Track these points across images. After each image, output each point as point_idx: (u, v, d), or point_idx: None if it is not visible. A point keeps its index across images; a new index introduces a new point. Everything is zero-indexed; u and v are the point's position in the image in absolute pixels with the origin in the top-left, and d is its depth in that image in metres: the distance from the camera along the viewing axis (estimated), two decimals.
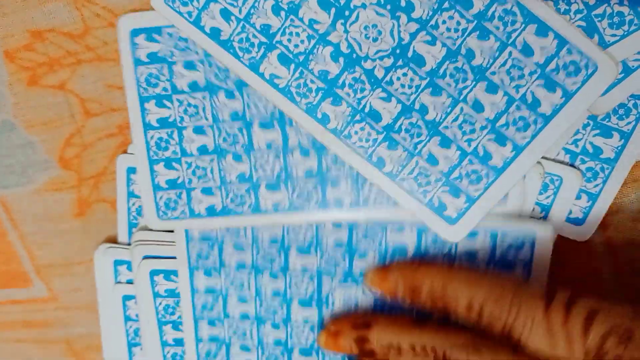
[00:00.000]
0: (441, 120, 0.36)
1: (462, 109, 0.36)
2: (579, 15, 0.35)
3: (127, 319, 0.45)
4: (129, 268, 0.44)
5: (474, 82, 0.36)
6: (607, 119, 0.37)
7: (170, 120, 0.40)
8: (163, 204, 0.41)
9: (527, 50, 0.35)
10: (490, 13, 0.35)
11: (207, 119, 0.39)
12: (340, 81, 0.37)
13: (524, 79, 0.35)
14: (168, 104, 0.39)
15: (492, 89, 0.36)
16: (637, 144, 0.37)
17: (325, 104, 0.37)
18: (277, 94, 0.37)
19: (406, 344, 0.36)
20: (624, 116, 0.37)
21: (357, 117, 0.37)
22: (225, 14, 0.37)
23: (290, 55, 0.37)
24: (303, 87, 0.37)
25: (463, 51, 0.35)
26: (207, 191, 0.40)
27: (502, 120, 0.36)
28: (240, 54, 0.37)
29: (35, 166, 0.44)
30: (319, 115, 0.37)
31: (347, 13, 0.36)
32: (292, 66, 0.37)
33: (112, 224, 0.45)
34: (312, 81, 0.37)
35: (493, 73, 0.35)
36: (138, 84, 0.39)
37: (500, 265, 0.38)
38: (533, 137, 0.36)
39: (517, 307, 0.33)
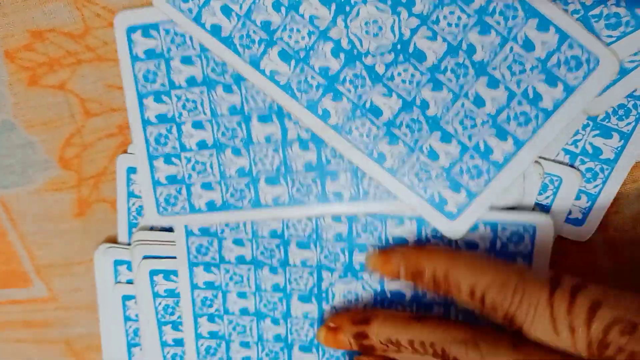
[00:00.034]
0: (442, 116, 0.36)
1: (463, 104, 0.35)
2: (575, 16, 0.34)
3: (127, 319, 0.45)
4: (129, 268, 0.44)
5: (475, 77, 0.35)
6: (606, 120, 0.37)
7: (169, 116, 0.39)
8: (163, 199, 0.40)
9: (528, 45, 0.34)
10: (491, 8, 0.34)
11: (205, 113, 0.38)
12: (341, 77, 0.36)
13: (525, 73, 0.34)
14: (166, 99, 0.39)
15: (493, 84, 0.35)
16: (636, 144, 0.37)
17: (326, 99, 0.36)
18: (277, 90, 0.37)
19: (405, 339, 0.36)
20: (623, 117, 0.36)
21: (358, 113, 0.36)
22: (226, 10, 0.36)
23: (291, 52, 0.36)
24: (304, 83, 0.36)
25: (464, 46, 0.35)
26: (206, 186, 0.40)
27: (503, 115, 0.35)
28: (241, 50, 0.36)
29: (35, 166, 0.43)
30: (320, 111, 0.37)
31: (347, 9, 0.35)
32: (293, 62, 0.36)
33: (112, 224, 0.44)
34: (312, 77, 0.36)
35: (494, 68, 0.35)
36: (136, 80, 0.39)
37: (501, 257, 0.37)
38: (534, 132, 0.35)
39: (521, 294, 0.32)
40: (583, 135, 0.37)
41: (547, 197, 0.38)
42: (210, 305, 0.42)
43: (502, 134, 0.35)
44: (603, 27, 0.34)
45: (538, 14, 0.34)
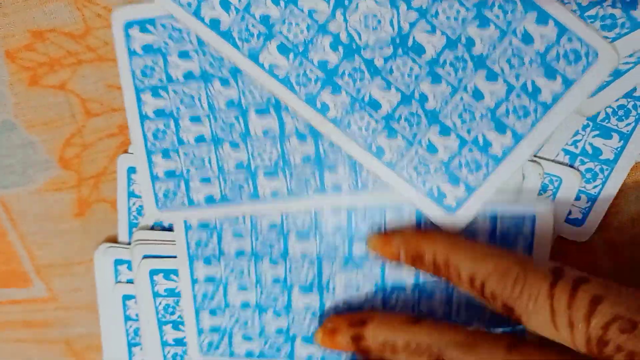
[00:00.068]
0: (441, 109, 0.35)
1: (462, 97, 0.35)
2: None
3: (127, 318, 0.44)
4: (130, 268, 0.43)
5: (474, 71, 0.34)
6: (606, 120, 0.36)
7: (167, 111, 0.38)
8: (162, 194, 0.40)
9: (527, 39, 0.33)
10: (490, 1, 0.33)
11: (203, 108, 0.38)
12: (340, 71, 0.35)
13: (524, 67, 0.34)
14: (164, 94, 0.38)
15: (492, 77, 0.34)
16: (636, 145, 0.36)
17: (324, 93, 0.36)
18: (276, 84, 0.36)
19: (401, 341, 0.35)
20: (623, 117, 0.36)
21: (357, 107, 0.36)
22: (225, 4, 0.35)
23: (290, 45, 0.35)
24: (302, 77, 0.36)
25: (463, 40, 0.34)
26: (205, 180, 0.39)
27: (502, 109, 0.34)
28: (240, 44, 0.36)
29: (35, 166, 0.43)
30: (319, 105, 0.36)
31: (346, 2, 0.34)
32: (292, 56, 0.36)
33: (112, 224, 0.43)
34: (311, 71, 0.36)
35: (493, 62, 0.34)
36: (134, 76, 0.38)
37: (501, 243, 0.37)
38: (533, 126, 0.34)
39: (522, 285, 0.31)
40: (583, 135, 0.37)
41: (547, 198, 0.37)
42: (212, 299, 0.41)
43: (501, 128, 0.35)
44: (598, 28, 0.33)
45: (537, 7, 0.33)
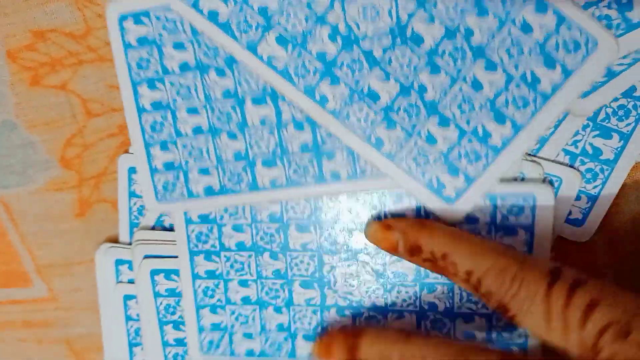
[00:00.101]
0: (440, 100, 0.34)
1: (461, 88, 0.34)
2: None
3: (128, 318, 0.43)
4: (130, 268, 0.42)
5: (473, 61, 0.33)
6: (606, 120, 0.36)
7: (164, 102, 0.38)
8: (161, 186, 0.39)
9: (526, 28, 0.33)
10: None
11: (199, 98, 0.37)
12: (339, 62, 0.35)
13: (523, 56, 0.33)
14: (160, 86, 0.37)
15: (491, 67, 0.33)
16: (636, 145, 0.36)
17: (323, 84, 0.35)
18: (275, 75, 0.35)
19: (396, 355, 0.34)
20: (623, 117, 0.35)
21: (356, 98, 0.35)
22: None
23: (288, 37, 0.35)
24: (301, 68, 0.35)
25: (462, 30, 0.33)
26: (204, 171, 0.38)
27: (501, 99, 0.34)
28: (238, 35, 0.35)
29: (36, 166, 0.42)
30: (317, 96, 0.35)
31: None
32: (290, 47, 0.35)
33: (113, 224, 0.43)
34: (310, 62, 0.35)
35: (492, 51, 0.33)
36: (130, 68, 0.38)
37: (502, 230, 0.36)
38: (532, 116, 0.33)
39: (519, 283, 0.31)
40: (583, 135, 0.36)
41: (547, 184, 0.37)
42: (212, 296, 0.40)
43: (500, 118, 0.34)
44: None
45: None
